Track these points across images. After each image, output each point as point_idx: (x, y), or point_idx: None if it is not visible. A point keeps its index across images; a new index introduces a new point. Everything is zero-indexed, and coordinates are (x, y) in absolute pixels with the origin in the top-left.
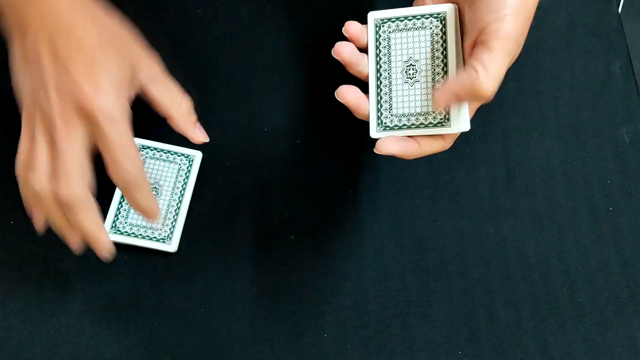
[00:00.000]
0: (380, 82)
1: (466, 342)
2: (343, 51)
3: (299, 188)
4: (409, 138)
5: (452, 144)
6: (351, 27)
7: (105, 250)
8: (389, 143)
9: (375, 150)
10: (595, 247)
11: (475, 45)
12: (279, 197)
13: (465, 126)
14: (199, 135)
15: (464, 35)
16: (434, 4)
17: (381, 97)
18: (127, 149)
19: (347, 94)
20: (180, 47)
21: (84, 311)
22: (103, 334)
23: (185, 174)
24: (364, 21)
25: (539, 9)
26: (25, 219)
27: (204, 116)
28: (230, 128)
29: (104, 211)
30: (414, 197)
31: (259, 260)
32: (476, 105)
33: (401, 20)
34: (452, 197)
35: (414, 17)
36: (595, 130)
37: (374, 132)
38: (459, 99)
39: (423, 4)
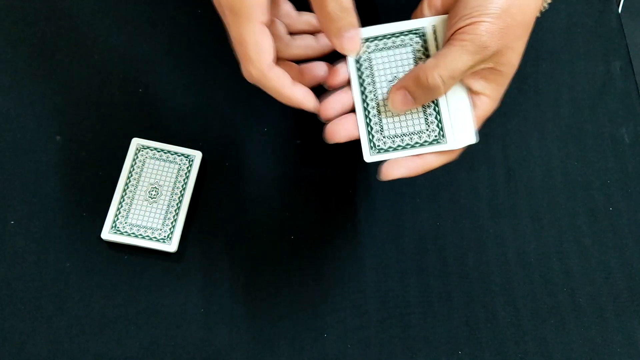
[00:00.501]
0: (367, 105)
1: (466, 342)
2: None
3: (299, 188)
4: (414, 156)
5: (458, 154)
6: (335, 79)
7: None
8: (394, 168)
9: (381, 178)
10: (595, 247)
11: None
12: (279, 197)
13: (469, 139)
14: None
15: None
16: (431, 15)
17: (370, 120)
18: None
19: (336, 134)
20: (180, 46)
21: (84, 311)
22: (103, 333)
23: (185, 174)
24: (365, 19)
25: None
26: (25, 219)
27: (204, 116)
28: (230, 128)
29: (104, 211)
30: (414, 197)
31: (259, 260)
32: (482, 113)
33: (380, 40)
34: (452, 197)
35: (393, 35)
36: (595, 130)
37: (367, 156)
38: (412, 94)
39: (422, 15)
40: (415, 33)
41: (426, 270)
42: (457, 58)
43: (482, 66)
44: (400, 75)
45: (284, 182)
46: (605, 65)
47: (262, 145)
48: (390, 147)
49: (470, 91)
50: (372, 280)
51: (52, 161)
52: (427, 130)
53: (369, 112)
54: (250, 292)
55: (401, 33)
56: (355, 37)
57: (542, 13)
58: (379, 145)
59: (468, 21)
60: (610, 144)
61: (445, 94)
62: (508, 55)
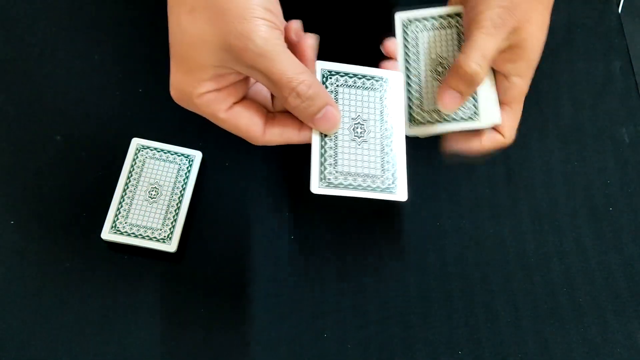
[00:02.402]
0: (411, 80)
1: (466, 342)
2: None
3: (298, 188)
4: (473, 137)
5: (513, 136)
6: (389, 46)
7: None
8: (456, 139)
9: (446, 150)
10: (595, 247)
11: None
12: (279, 197)
13: (496, 119)
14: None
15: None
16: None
17: (412, 94)
18: None
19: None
20: None
21: (84, 311)
22: (103, 333)
23: (185, 174)
24: (369, 15)
25: None
26: (25, 219)
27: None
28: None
29: (104, 211)
30: (414, 197)
31: (259, 261)
32: (514, 95)
33: (428, 21)
34: (452, 197)
35: (441, 17)
36: (595, 130)
37: (407, 129)
38: (458, 90)
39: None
40: (459, 15)
41: (426, 270)
42: (481, 42)
43: (506, 45)
44: (445, 54)
45: (284, 182)
46: (605, 65)
47: (262, 145)
48: (428, 121)
49: (503, 76)
50: (372, 280)
51: (52, 161)
52: (463, 107)
53: (411, 87)
54: (250, 292)
55: (449, 15)
56: (327, 115)
57: None
58: (417, 119)
59: (479, 9)
60: (610, 144)
61: (484, 77)
62: (528, 29)
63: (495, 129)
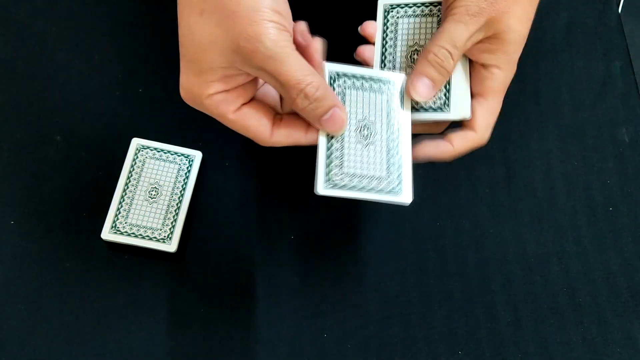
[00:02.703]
0: (385, 65)
1: (466, 342)
2: (364, 52)
3: (298, 188)
4: (441, 140)
5: (488, 135)
6: (367, 28)
7: None
8: (423, 147)
9: (417, 159)
10: (595, 247)
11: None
12: (279, 197)
13: (466, 113)
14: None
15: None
16: None
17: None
18: None
19: (363, 52)
20: None
21: (84, 311)
22: (103, 333)
23: (185, 174)
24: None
25: (539, 9)
26: (25, 219)
27: (204, 116)
28: (230, 128)
29: (104, 211)
30: (414, 197)
31: (259, 261)
32: (490, 85)
33: (410, 7)
34: (452, 197)
35: (423, 4)
36: (595, 130)
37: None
38: (430, 77)
39: None
40: (440, 4)
41: (426, 270)
42: (452, 30)
43: (482, 35)
44: (422, 42)
45: (284, 182)
46: (605, 65)
47: (262, 145)
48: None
49: (481, 65)
50: (372, 280)
51: (52, 161)
52: (434, 96)
53: (384, 68)
54: (250, 292)
55: (431, 3)
56: (334, 117)
57: None
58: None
59: None
60: (610, 144)
61: (455, 64)
62: (506, 21)
63: (466, 125)
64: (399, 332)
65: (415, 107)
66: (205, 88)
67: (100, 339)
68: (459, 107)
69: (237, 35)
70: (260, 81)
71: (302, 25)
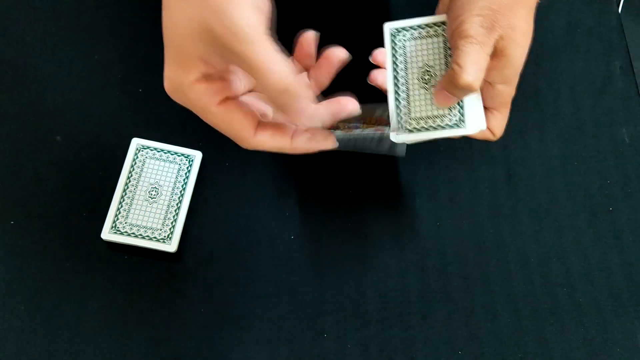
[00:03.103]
0: (398, 88)
1: (466, 342)
2: (377, 77)
3: (299, 188)
4: None
5: (502, 133)
6: (378, 56)
7: None
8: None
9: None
10: (595, 247)
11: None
12: (279, 197)
13: (481, 125)
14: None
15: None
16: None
17: (399, 102)
18: None
19: (376, 78)
20: None
21: (84, 311)
22: (103, 334)
23: (185, 174)
24: (370, 28)
25: (539, 9)
26: (25, 219)
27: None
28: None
29: (104, 211)
30: (414, 197)
31: (259, 260)
32: (500, 101)
33: (415, 29)
34: (452, 197)
35: (427, 25)
36: (595, 130)
37: (394, 136)
38: (452, 94)
39: (443, 11)
40: (445, 24)
41: (426, 270)
42: (473, 55)
43: (491, 51)
44: (431, 62)
45: (284, 182)
46: (605, 65)
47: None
48: (415, 128)
49: (489, 83)
50: (372, 280)
51: (52, 161)
52: (450, 114)
53: (399, 95)
54: (250, 292)
55: (435, 24)
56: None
57: None
58: (405, 126)
59: (462, 19)
60: (610, 144)
61: (478, 87)
62: (512, 36)
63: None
64: (399, 332)
65: (434, 126)
66: (186, 76)
67: (100, 339)
68: (474, 122)
69: (213, 20)
70: (246, 85)
71: (312, 34)
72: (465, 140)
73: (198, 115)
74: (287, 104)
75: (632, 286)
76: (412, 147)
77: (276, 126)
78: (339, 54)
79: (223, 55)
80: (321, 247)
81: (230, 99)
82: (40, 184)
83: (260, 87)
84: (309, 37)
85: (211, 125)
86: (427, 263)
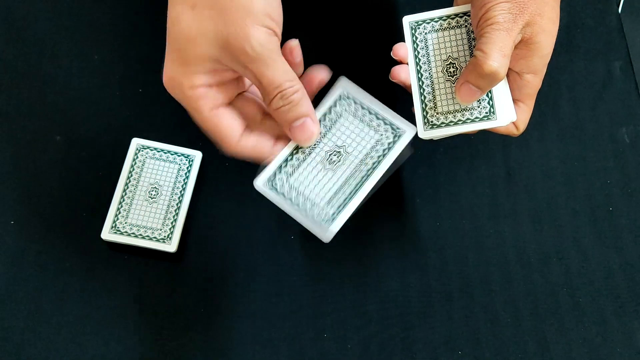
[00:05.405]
0: (422, 82)
1: (466, 342)
2: (400, 73)
3: None
4: None
5: (524, 128)
6: (399, 50)
7: None
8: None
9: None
10: (595, 247)
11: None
12: None
13: (512, 116)
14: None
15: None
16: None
17: (425, 97)
18: None
19: (399, 74)
20: None
21: (84, 311)
22: (103, 333)
23: (185, 174)
24: (380, 24)
25: None
26: (25, 219)
27: None
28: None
29: (104, 211)
30: (414, 197)
31: (259, 260)
32: (528, 92)
33: (436, 21)
34: (452, 197)
35: (449, 17)
36: (595, 130)
37: (421, 132)
38: (477, 86)
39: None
40: (467, 15)
41: (426, 270)
42: (500, 40)
43: (518, 39)
44: (455, 54)
45: None
46: (605, 65)
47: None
48: (443, 123)
49: (516, 73)
50: (372, 280)
51: (52, 161)
52: (479, 106)
53: (423, 89)
54: (250, 292)
55: (457, 15)
56: (304, 126)
57: None
58: (432, 121)
59: (489, 6)
60: (610, 144)
61: (504, 75)
62: (540, 23)
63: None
64: (399, 332)
65: (462, 120)
66: (190, 78)
67: (100, 339)
68: (505, 113)
69: (227, 32)
70: (245, 84)
71: (294, 43)
72: (466, 140)
73: (188, 111)
74: (291, 117)
75: (632, 286)
76: (413, 148)
77: (260, 134)
78: (319, 75)
79: (231, 64)
80: (321, 247)
81: (224, 105)
82: (40, 184)
83: (265, 101)
84: (290, 46)
85: (197, 124)
86: (427, 263)
